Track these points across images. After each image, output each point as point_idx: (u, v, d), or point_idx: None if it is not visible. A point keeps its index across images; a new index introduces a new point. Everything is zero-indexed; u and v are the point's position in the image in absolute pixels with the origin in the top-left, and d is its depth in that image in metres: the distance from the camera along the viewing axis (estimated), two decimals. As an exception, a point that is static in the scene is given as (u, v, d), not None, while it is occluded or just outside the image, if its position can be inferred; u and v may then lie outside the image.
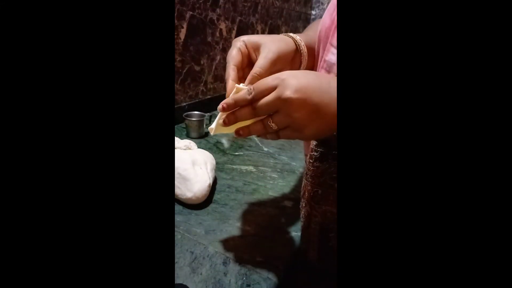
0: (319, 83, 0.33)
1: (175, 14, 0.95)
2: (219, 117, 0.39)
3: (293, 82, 0.32)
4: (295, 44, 0.45)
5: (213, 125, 0.40)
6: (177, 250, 0.48)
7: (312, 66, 0.50)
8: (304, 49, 0.46)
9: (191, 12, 1.01)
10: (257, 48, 0.42)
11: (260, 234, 0.52)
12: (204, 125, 0.95)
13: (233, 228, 0.53)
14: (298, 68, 0.48)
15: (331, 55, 0.41)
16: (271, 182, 0.70)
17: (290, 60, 0.44)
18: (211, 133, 0.40)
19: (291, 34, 0.46)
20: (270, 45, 0.42)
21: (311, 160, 0.42)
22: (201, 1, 1.04)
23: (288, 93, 0.31)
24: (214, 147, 0.88)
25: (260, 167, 0.76)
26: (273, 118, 0.34)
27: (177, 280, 0.43)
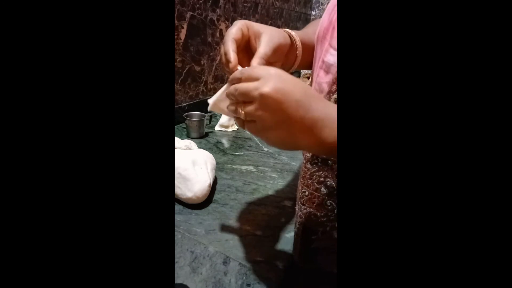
0: (301, 96, 0.31)
1: (175, 15, 0.95)
2: (221, 93, 0.39)
3: (277, 81, 0.31)
4: (290, 39, 0.46)
5: (212, 100, 0.41)
6: (177, 250, 0.48)
7: (307, 63, 0.50)
8: (299, 45, 0.46)
9: (191, 13, 1.01)
10: (258, 35, 0.42)
11: (260, 234, 0.52)
12: (205, 125, 0.96)
13: (233, 228, 0.53)
14: (293, 63, 0.48)
15: (329, 56, 0.41)
16: (271, 182, 0.70)
17: (285, 53, 0.45)
18: (208, 108, 0.41)
19: (286, 29, 0.46)
20: (272, 33, 0.42)
21: (304, 161, 0.42)
22: (201, 2, 1.04)
23: (267, 89, 0.31)
24: (214, 147, 0.89)
25: (260, 167, 0.77)
26: (244, 106, 0.33)
27: (177, 280, 0.43)
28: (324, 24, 0.42)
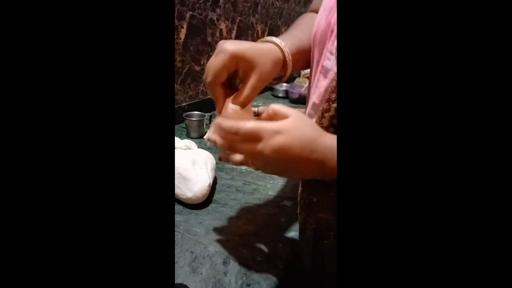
0: (302, 145, 0.33)
1: (175, 14, 0.95)
2: (213, 130, 0.40)
3: (277, 141, 0.32)
4: (282, 54, 0.43)
5: (208, 134, 0.41)
6: (177, 250, 0.48)
7: (300, 66, 0.49)
8: (289, 57, 0.43)
9: (191, 12, 1.01)
10: (248, 68, 0.39)
11: (260, 234, 0.52)
12: (204, 125, 0.96)
13: (233, 228, 0.53)
14: (282, 77, 0.46)
15: (327, 61, 0.40)
16: (271, 182, 0.70)
17: (276, 72, 0.43)
18: (206, 138, 0.41)
19: (276, 40, 0.43)
20: (263, 70, 0.40)
21: None
22: (201, 1, 1.04)
23: (268, 151, 0.32)
24: (214, 147, 0.88)
25: (260, 167, 0.76)
26: (251, 161, 0.37)
27: (177, 280, 0.43)
28: (322, 26, 0.41)
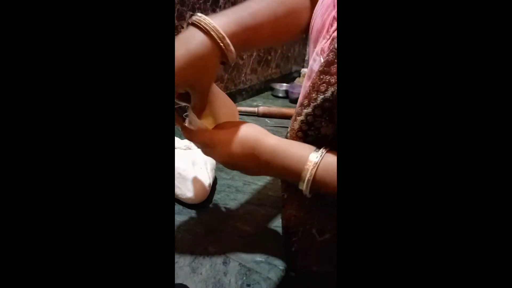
0: (243, 147, 0.39)
1: (175, 14, 0.95)
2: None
3: (222, 150, 0.40)
4: (215, 43, 0.35)
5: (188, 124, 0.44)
6: (177, 250, 0.48)
7: (255, 45, 0.41)
8: (225, 41, 0.35)
9: (191, 12, 1.01)
10: (189, 90, 0.39)
11: (260, 234, 0.52)
12: (204, 125, 0.95)
13: (233, 228, 0.53)
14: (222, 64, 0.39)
15: (312, 61, 0.41)
16: (271, 182, 0.70)
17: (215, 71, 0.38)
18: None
19: (206, 23, 0.34)
20: (200, 87, 0.38)
21: None
22: (201, 2, 1.04)
23: (217, 157, 0.41)
24: (214, 147, 0.88)
25: (260, 167, 0.76)
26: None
27: (177, 280, 0.43)
28: (318, 24, 0.40)
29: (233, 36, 0.35)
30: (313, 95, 0.35)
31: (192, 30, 0.35)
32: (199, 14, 0.35)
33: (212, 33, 0.34)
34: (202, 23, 0.34)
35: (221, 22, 0.35)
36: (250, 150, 0.39)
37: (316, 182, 0.36)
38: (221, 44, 0.35)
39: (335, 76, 0.33)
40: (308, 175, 0.35)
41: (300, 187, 0.37)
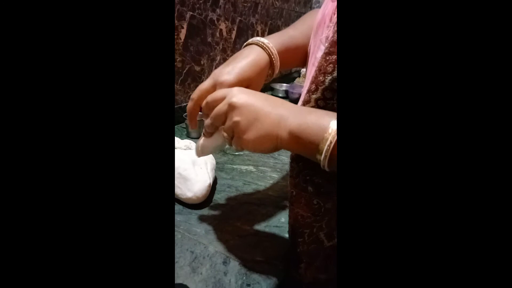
0: (265, 99, 0.36)
1: (175, 15, 0.95)
2: (200, 142, 0.45)
3: (239, 92, 0.37)
4: (268, 55, 0.46)
5: (196, 149, 0.46)
6: (177, 250, 0.48)
7: (288, 65, 0.51)
8: (276, 57, 0.47)
9: (191, 13, 1.01)
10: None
11: (260, 234, 0.52)
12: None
13: (233, 228, 0.53)
14: (270, 77, 0.49)
15: (319, 52, 0.40)
16: (271, 182, 0.70)
17: (264, 78, 0.48)
18: (197, 155, 0.47)
19: (262, 41, 0.47)
20: (255, 85, 0.45)
21: (290, 159, 0.41)
22: (201, 2, 1.04)
23: (234, 99, 0.36)
24: (214, 147, 0.88)
25: (260, 167, 0.77)
26: (224, 127, 0.38)
27: (177, 280, 0.43)
28: (318, 19, 0.42)
29: (278, 53, 0.47)
30: (320, 78, 0.35)
31: (252, 46, 0.47)
32: (257, 38, 0.47)
33: (267, 48, 0.46)
34: (260, 42, 0.47)
35: (271, 42, 0.47)
36: (268, 103, 0.36)
37: (335, 151, 0.31)
38: (272, 57, 0.47)
39: None
40: (326, 145, 0.31)
41: (318, 160, 0.33)
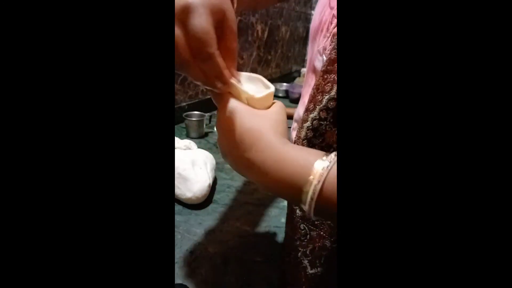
0: (250, 119, 0.32)
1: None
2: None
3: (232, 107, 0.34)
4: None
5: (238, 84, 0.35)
6: (177, 250, 0.48)
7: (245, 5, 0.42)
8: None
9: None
10: (221, 18, 0.31)
11: (260, 234, 0.52)
12: (204, 125, 0.96)
13: (233, 228, 0.53)
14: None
15: (317, 62, 0.40)
16: (271, 182, 0.70)
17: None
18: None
19: None
20: (231, 13, 0.32)
21: None
22: (201, 1, 1.04)
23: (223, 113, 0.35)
24: (214, 147, 0.88)
25: (260, 167, 0.76)
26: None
27: (177, 280, 0.43)
28: (315, 23, 0.41)
29: None
30: (318, 97, 0.34)
31: None
32: None
33: None
34: None
35: None
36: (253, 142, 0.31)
37: (323, 200, 0.26)
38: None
39: None
40: (311, 190, 0.26)
41: (302, 206, 0.27)
